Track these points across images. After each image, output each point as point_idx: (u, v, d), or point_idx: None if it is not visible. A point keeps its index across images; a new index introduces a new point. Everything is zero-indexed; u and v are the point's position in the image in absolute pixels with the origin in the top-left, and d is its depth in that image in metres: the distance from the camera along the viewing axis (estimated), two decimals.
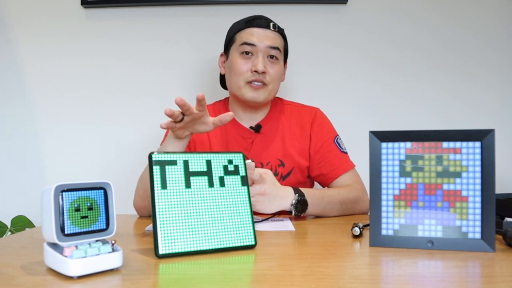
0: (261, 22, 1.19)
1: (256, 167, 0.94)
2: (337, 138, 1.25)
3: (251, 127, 1.24)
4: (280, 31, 1.22)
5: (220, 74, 1.32)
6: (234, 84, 1.20)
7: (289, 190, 1.01)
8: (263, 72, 1.17)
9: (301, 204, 0.99)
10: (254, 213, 0.78)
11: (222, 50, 1.29)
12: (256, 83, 1.17)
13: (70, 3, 1.62)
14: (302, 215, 1.00)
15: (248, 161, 0.86)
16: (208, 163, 0.73)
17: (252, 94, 1.18)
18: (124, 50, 1.62)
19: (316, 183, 1.31)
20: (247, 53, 1.18)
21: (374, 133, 0.76)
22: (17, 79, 1.63)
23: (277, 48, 1.19)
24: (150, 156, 0.68)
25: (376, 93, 1.62)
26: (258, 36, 1.17)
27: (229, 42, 1.23)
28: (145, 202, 1.06)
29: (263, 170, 0.98)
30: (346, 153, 1.23)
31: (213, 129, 0.93)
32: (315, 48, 1.61)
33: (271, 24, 1.19)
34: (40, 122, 1.63)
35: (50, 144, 1.63)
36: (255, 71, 1.16)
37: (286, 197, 0.99)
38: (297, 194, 1.00)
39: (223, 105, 1.31)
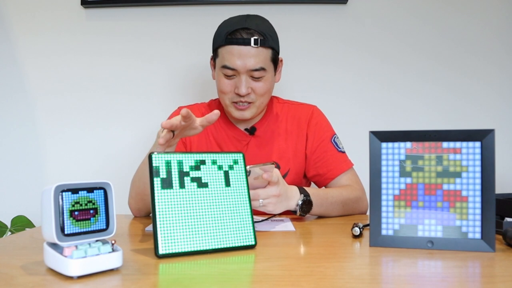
0: (242, 38, 1.08)
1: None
2: (334, 137, 1.23)
3: (246, 129, 1.24)
4: (264, 43, 1.10)
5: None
6: (221, 101, 1.19)
7: (296, 190, 0.99)
8: (248, 93, 1.13)
9: (306, 205, 0.98)
10: (254, 213, 0.78)
11: None
12: (241, 103, 1.14)
13: (70, 3, 1.62)
14: (305, 215, 1.00)
15: (268, 165, 0.85)
16: (208, 163, 0.73)
17: (238, 113, 1.16)
18: (124, 50, 1.62)
19: (312, 184, 1.30)
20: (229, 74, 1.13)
21: (374, 133, 0.76)
22: (17, 79, 1.63)
23: (260, 69, 1.11)
24: (150, 156, 0.69)
25: (376, 93, 1.62)
26: (239, 57, 1.08)
27: (214, 51, 1.17)
28: (138, 204, 1.06)
29: (276, 171, 0.96)
30: (344, 152, 1.21)
31: (201, 131, 0.89)
32: (315, 48, 1.61)
33: (253, 39, 1.08)
34: (40, 122, 1.63)
35: (50, 144, 1.63)
36: (238, 94, 1.13)
37: (292, 197, 0.97)
38: (302, 194, 0.98)
39: (218, 105, 1.29)
